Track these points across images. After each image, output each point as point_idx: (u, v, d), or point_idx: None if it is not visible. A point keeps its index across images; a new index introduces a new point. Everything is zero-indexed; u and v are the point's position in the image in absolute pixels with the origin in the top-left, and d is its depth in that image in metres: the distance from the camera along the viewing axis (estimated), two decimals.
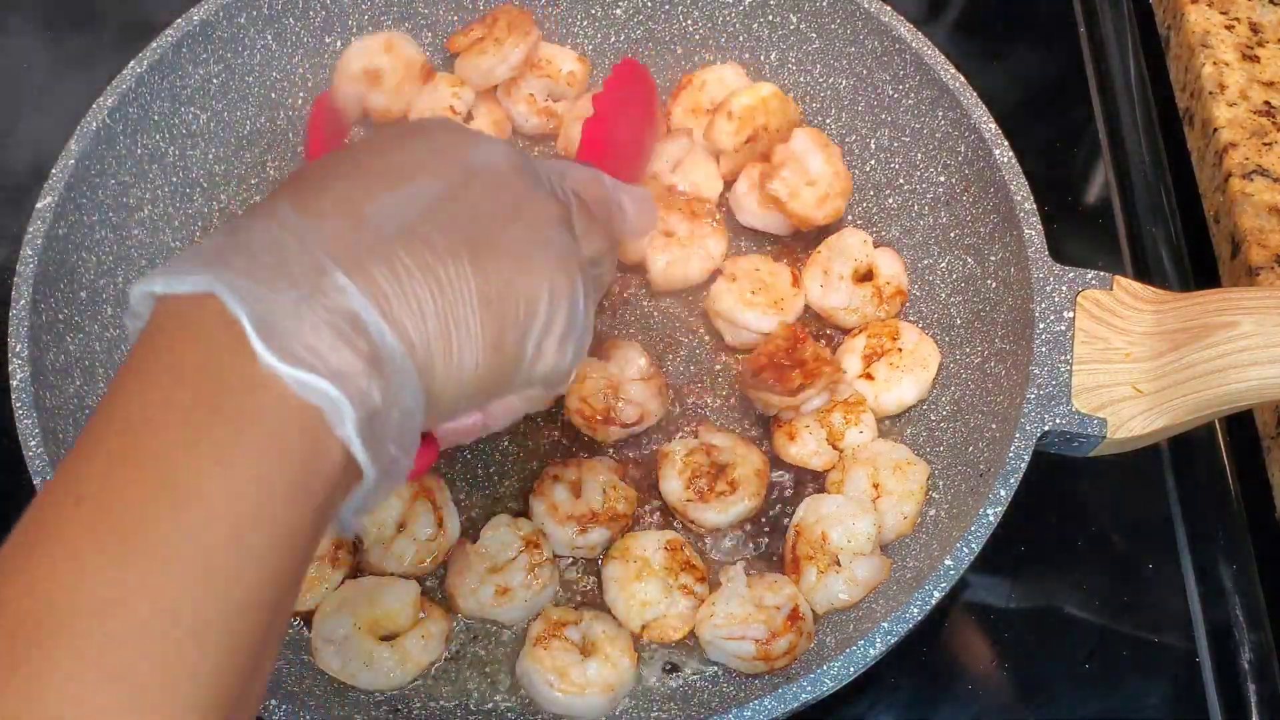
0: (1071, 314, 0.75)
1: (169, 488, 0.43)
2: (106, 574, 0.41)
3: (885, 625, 0.67)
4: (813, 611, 0.76)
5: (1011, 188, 0.79)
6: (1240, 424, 0.87)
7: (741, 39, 0.95)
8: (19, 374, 0.74)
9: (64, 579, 0.41)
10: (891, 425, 0.84)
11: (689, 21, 0.96)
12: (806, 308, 0.88)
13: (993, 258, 0.82)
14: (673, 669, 0.76)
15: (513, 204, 0.55)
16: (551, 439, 0.83)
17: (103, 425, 0.45)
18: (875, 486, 0.79)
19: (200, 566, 0.42)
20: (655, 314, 0.89)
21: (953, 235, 0.86)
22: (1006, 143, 0.81)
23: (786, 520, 0.80)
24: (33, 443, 0.71)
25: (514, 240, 0.53)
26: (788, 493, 0.82)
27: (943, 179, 0.87)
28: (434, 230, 0.50)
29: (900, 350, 0.84)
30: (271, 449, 0.44)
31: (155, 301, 0.48)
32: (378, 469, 0.48)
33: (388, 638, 0.75)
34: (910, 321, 0.87)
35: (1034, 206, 0.79)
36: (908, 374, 0.83)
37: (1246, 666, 0.80)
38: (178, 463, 0.43)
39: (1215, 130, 0.95)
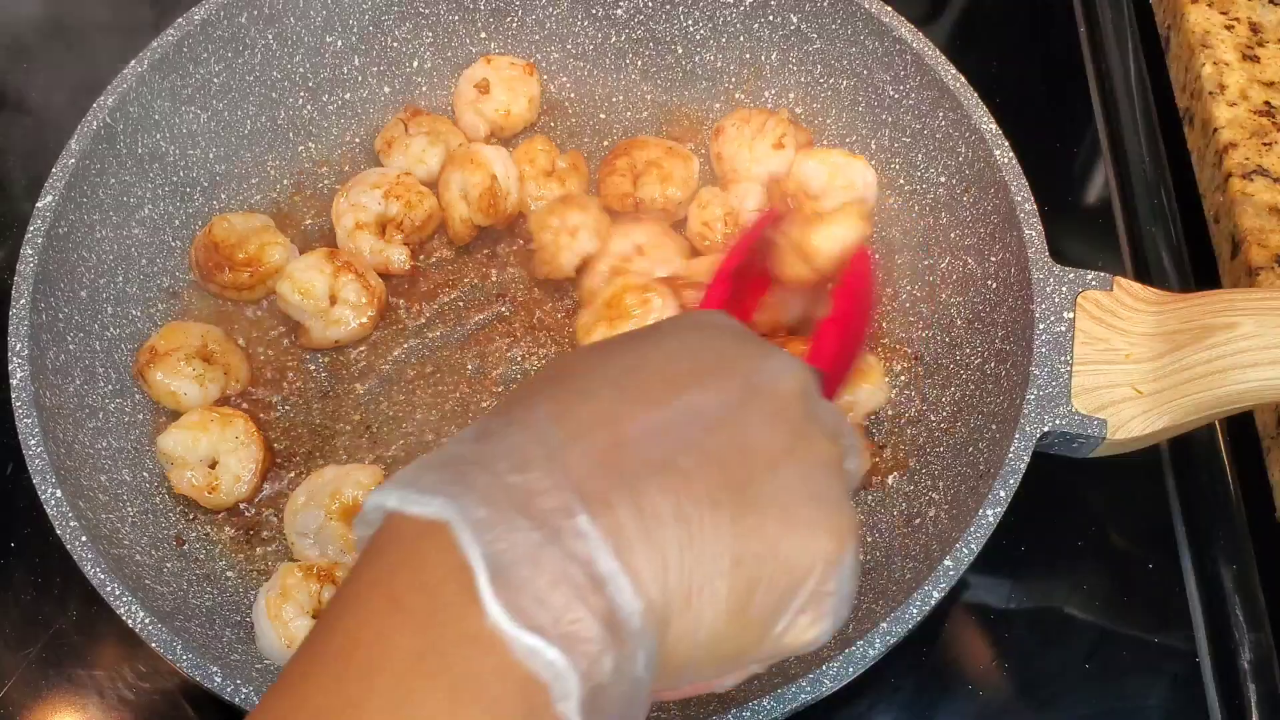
0: (1071, 315, 0.75)
1: None
2: None
3: (885, 625, 0.67)
4: None
5: (1012, 188, 0.79)
6: (1240, 424, 0.87)
7: (742, 39, 0.95)
8: (19, 374, 0.74)
9: None
10: (892, 425, 0.84)
11: (689, 21, 0.96)
12: None
13: (993, 258, 0.82)
14: None
15: (790, 441, 0.47)
16: None
17: (318, 660, 0.41)
18: None
19: None
20: None
21: (953, 236, 0.86)
22: (1007, 143, 0.81)
23: None
24: (33, 443, 0.71)
25: (782, 489, 0.46)
26: None
27: (943, 180, 0.87)
28: (696, 467, 0.44)
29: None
30: None
31: (386, 515, 0.43)
32: None
33: None
34: (911, 320, 0.87)
35: (1034, 207, 0.79)
36: None
37: (1246, 666, 0.80)
38: None
39: (1215, 130, 0.95)
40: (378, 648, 0.40)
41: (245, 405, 0.84)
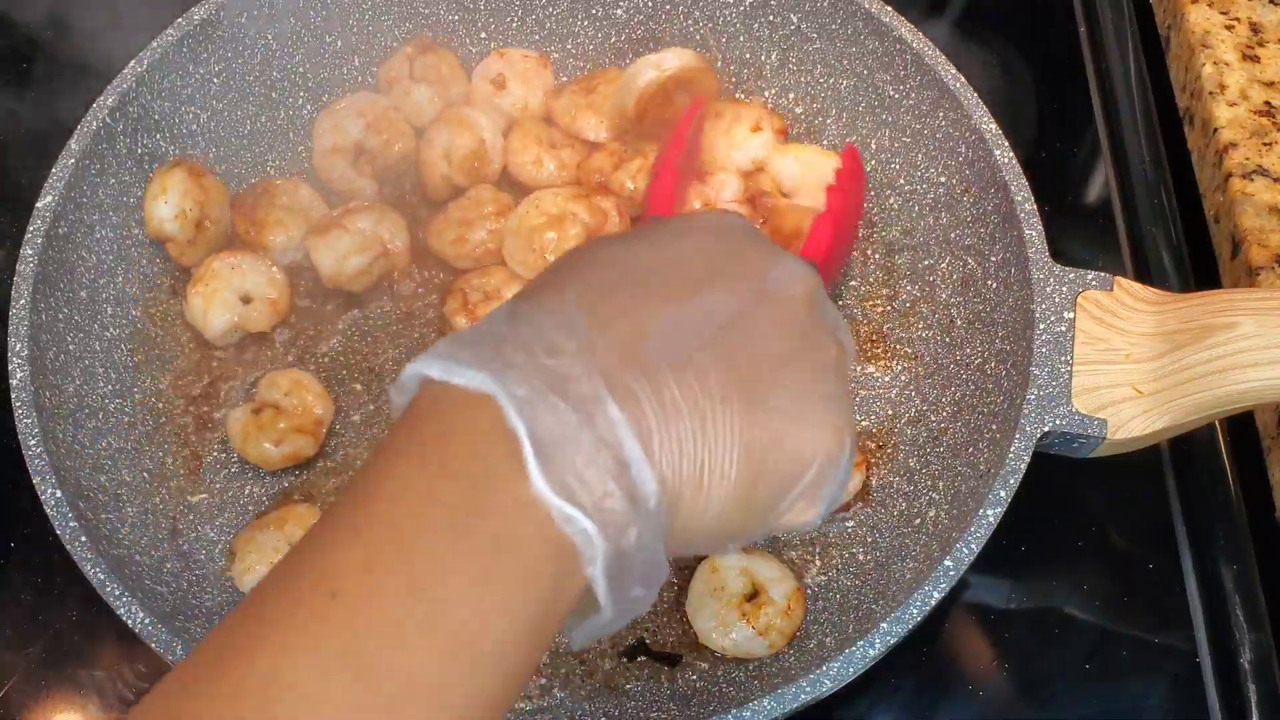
0: (1072, 315, 0.75)
1: (424, 604, 0.41)
2: (350, 695, 0.40)
3: (885, 625, 0.67)
4: None
5: (1012, 188, 0.79)
6: (1241, 424, 0.87)
7: (742, 39, 0.95)
8: (19, 374, 0.74)
9: (306, 690, 0.40)
10: (892, 425, 0.84)
11: (689, 21, 0.96)
12: None
13: (993, 258, 0.82)
14: (673, 666, 0.76)
15: (798, 343, 0.50)
16: None
17: (363, 508, 0.43)
18: None
19: (435, 704, 0.41)
20: None
21: (953, 236, 0.86)
22: (1007, 143, 0.81)
23: None
24: (32, 443, 0.71)
25: (790, 388, 0.49)
26: None
27: (943, 179, 0.87)
28: (711, 364, 0.47)
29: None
30: (524, 580, 0.43)
31: (424, 383, 0.46)
32: (618, 609, 0.46)
33: None
34: (910, 317, 0.87)
35: (1034, 207, 0.79)
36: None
37: (1246, 666, 0.80)
38: (436, 577, 0.42)
39: (1215, 130, 0.95)
40: (430, 501, 0.43)
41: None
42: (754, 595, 0.77)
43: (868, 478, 0.83)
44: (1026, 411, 0.72)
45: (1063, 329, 0.74)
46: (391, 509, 0.43)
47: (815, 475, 0.50)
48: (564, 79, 0.98)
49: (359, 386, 0.86)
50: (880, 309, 0.89)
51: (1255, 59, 0.98)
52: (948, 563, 0.68)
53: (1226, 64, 0.98)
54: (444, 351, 0.46)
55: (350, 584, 0.41)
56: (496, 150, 0.91)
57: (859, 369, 0.87)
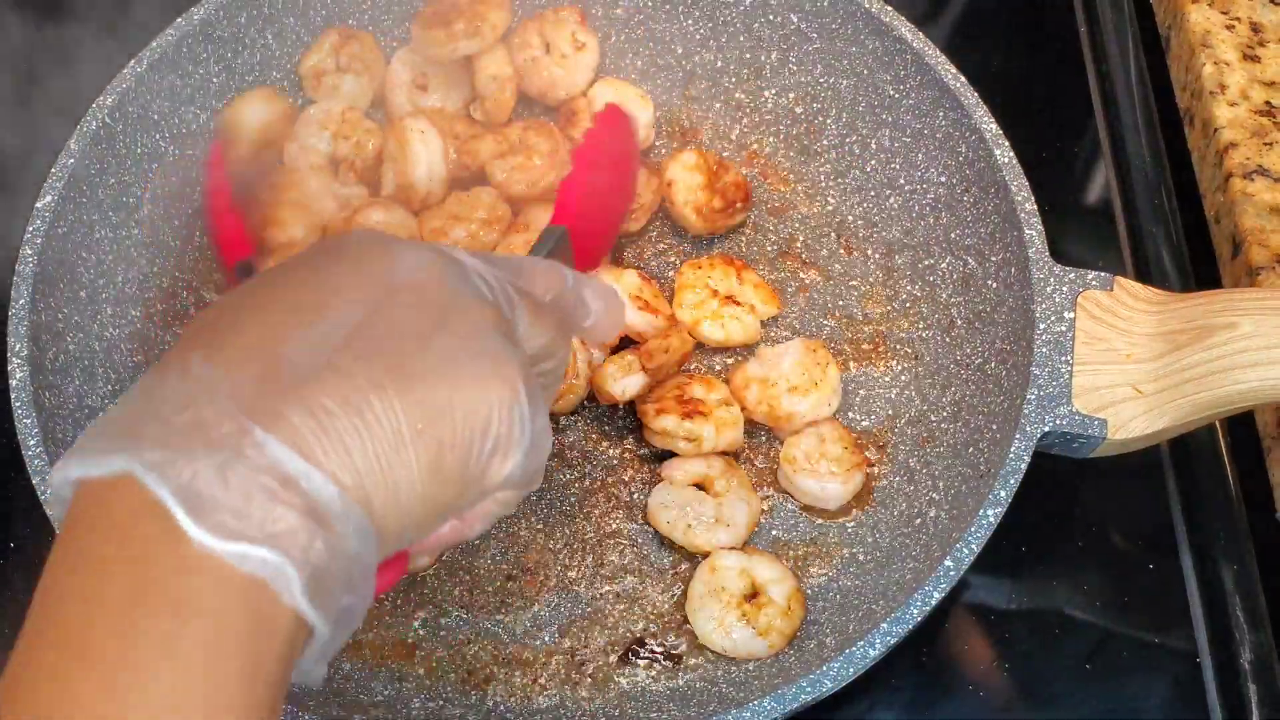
0: (1072, 315, 0.75)
1: (119, 703, 0.41)
2: None
3: (885, 626, 0.67)
4: None
5: (1012, 188, 0.79)
6: (1241, 424, 0.87)
7: (742, 39, 0.95)
8: (19, 374, 0.73)
9: None
10: (891, 425, 0.84)
11: (689, 21, 0.96)
12: None
13: (993, 258, 0.82)
14: (673, 666, 0.76)
15: (438, 316, 0.51)
16: None
17: (35, 636, 0.43)
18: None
19: None
20: None
21: (953, 236, 0.86)
22: (1007, 143, 0.81)
23: None
24: (32, 443, 0.71)
25: (440, 357, 0.50)
26: None
27: (943, 179, 0.87)
28: (353, 362, 0.48)
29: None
30: (218, 633, 0.42)
31: (73, 485, 0.45)
32: (331, 623, 0.46)
33: None
34: (911, 317, 0.87)
35: (1034, 207, 0.79)
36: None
37: (1246, 666, 0.80)
38: (125, 672, 0.41)
39: (1216, 130, 0.94)
40: (100, 602, 0.42)
41: None
42: (754, 596, 0.77)
43: (868, 478, 0.83)
44: (1026, 411, 0.72)
45: (1063, 329, 0.74)
46: (62, 627, 0.42)
47: (499, 426, 0.51)
48: None
49: None
50: (880, 309, 0.89)
51: (1256, 59, 0.98)
52: (948, 563, 0.68)
53: (1227, 64, 0.98)
54: (79, 447, 0.45)
55: (47, 709, 0.41)
56: (435, 181, 0.90)
57: (859, 369, 0.87)
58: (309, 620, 0.44)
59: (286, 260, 0.54)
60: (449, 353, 0.50)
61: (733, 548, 0.79)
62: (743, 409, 0.83)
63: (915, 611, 0.67)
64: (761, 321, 0.88)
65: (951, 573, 0.68)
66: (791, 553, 0.81)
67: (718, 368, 0.88)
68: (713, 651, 0.77)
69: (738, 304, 0.87)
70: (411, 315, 0.51)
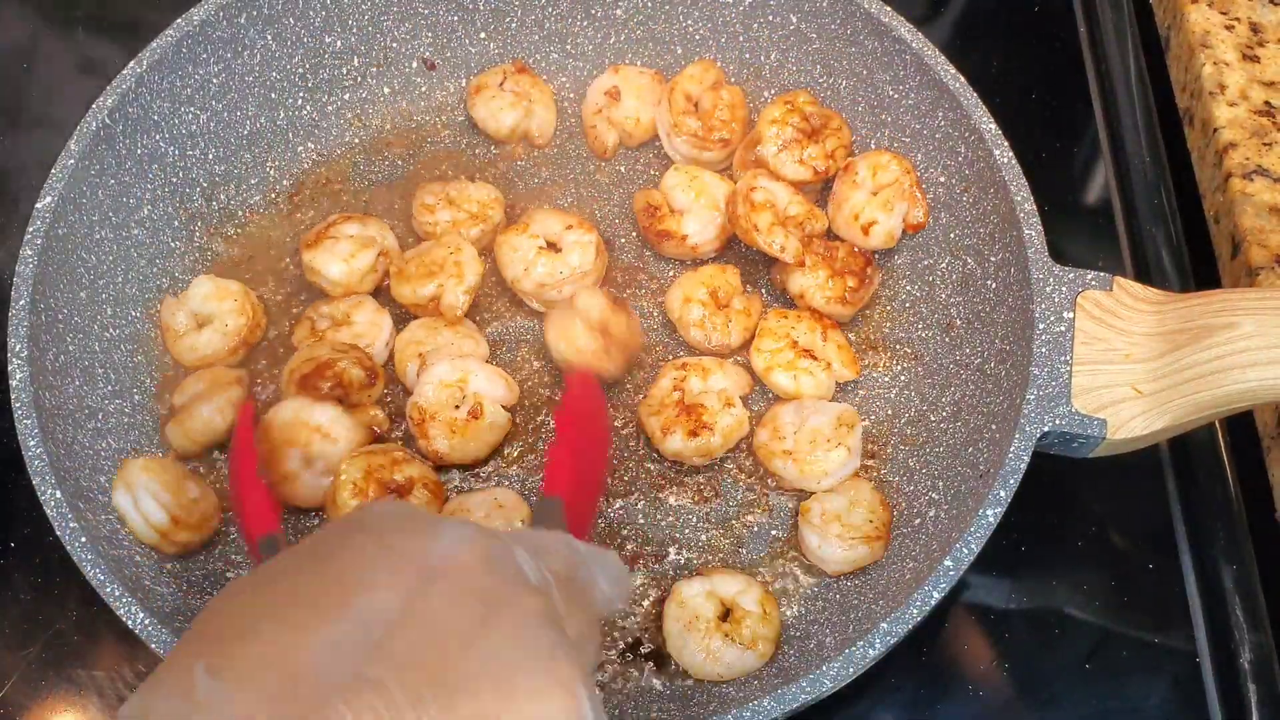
0: (1071, 315, 0.75)
1: None
2: None
3: (885, 625, 0.67)
4: None
5: (1011, 188, 0.79)
6: (1240, 424, 0.87)
7: (741, 39, 0.95)
8: (19, 374, 0.74)
9: None
10: (892, 425, 0.84)
11: (689, 21, 0.96)
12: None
13: (993, 258, 0.82)
14: (674, 668, 0.76)
15: (483, 610, 0.45)
16: None
17: None
18: None
19: None
20: None
21: (953, 236, 0.86)
22: (1006, 143, 0.81)
23: None
24: (32, 443, 0.71)
25: (488, 661, 0.43)
26: None
27: (943, 179, 0.87)
28: (388, 672, 0.41)
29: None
30: None
31: None
32: None
33: None
34: (909, 318, 0.88)
35: (1034, 207, 0.79)
36: None
37: (1246, 666, 0.80)
38: None
39: (1215, 130, 0.95)
40: None
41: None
42: (727, 614, 0.76)
43: (867, 477, 0.83)
44: (1026, 411, 0.72)
45: (1062, 329, 0.74)
46: None
47: None
48: (564, 80, 0.98)
49: None
50: (880, 309, 0.89)
51: (1255, 59, 0.98)
52: (948, 563, 0.68)
53: (1226, 64, 0.98)
54: None
55: None
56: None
57: (859, 369, 0.87)
58: None
59: (305, 542, 0.49)
60: (498, 655, 0.44)
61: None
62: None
63: (915, 611, 0.67)
64: (838, 383, 0.86)
65: (951, 572, 0.68)
66: (791, 552, 0.80)
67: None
68: None
69: (814, 359, 0.85)
70: (453, 609, 0.44)
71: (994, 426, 0.76)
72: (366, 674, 0.41)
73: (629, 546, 0.81)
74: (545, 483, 0.69)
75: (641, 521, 0.81)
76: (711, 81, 0.93)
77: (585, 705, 0.44)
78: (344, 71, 0.95)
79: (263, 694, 0.41)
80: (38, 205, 0.79)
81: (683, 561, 0.80)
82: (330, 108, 0.95)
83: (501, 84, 0.94)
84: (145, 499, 0.75)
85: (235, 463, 0.75)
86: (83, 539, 0.69)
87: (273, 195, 0.93)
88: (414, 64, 0.96)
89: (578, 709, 0.44)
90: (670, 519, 0.82)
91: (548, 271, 0.86)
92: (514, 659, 0.44)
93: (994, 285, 0.82)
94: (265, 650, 0.42)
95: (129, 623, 0.67)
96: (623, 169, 0.95)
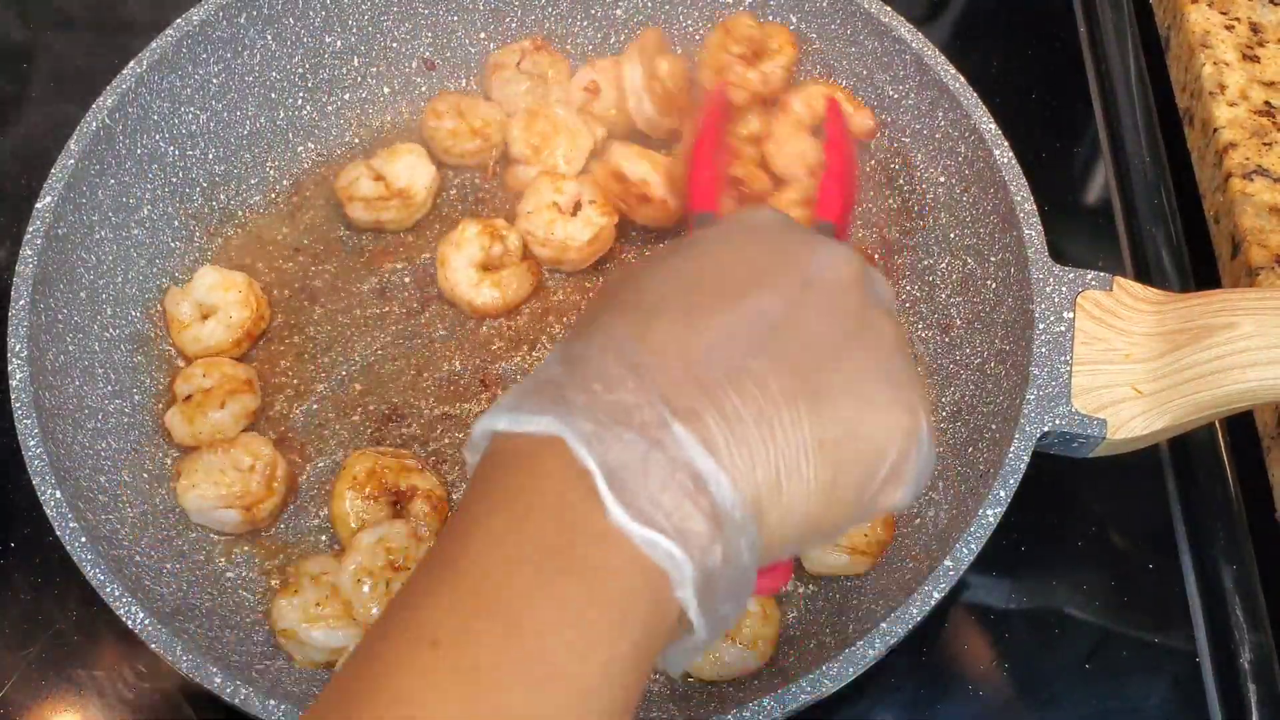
0: (1071, 315, 0.75)
1: (521, 646, 0.42)
2: None
3: (885, 625, 0.67)
4: None
5: (1011, 188, 0.79)
6: (1240, 424, 0.87)
7: None
8: (18, 374, 0.74)
9: None
10: None
11: (689, 22, 0.96)
12: None
13: (993, 258, 0.82)
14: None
15: (852, 326, 0.50)
16: None
17: (450, 565, 0.44)
18: None
19: None
20: None
21: (953, 236, 0.86)
22: (1006, 143, 0.81)
23: None
24: (32, 443, 0.71)
25: (853, 374, 0.49)
26: None
27: (943, 180, 0.87)
28: (768, 369, 0.47)
29: None
30: (620, 609, 0.43)
31: (494, 437, 0.47)
32: (710, 628, 0.46)
33: None
34: (909, 318, 0.87)
35: (1034, 207, 0.79)
36: None
37: (1246, 666, 0.80)
38: (531, 618, 0.42)
39: (1215, 130, 0.95)
40: (516, 546, 0.44)
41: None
42: None
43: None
44: (1026, 411, 0.72)
45: (1062, 329, 0.74)
46: (480, 558, 0.44)
47: (897, 457, 0.49)
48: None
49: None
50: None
51: (1255, 59, 0.98)
52: (948, 563, 0.68)
53: (1226, 64, 0.98)
54: (508, 404, 0.47)
55: (448, 634, 0.42)
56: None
57: None
58: (694, 621, 0.45)
59: (705, 233, 0.54)
60: (860, 371, 0.49)
61: None
62: None
63: (915, 611, 0.67)
64: None
65: (951, 573, 0.68)
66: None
67: None
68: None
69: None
70: (828, 323, 0.50)
71: (994, 426, 0.76)
72: (751, 365, 0.47)
73: None
74: (819, 207, 0.74)
75: None
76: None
77: (924, 427, 0.50)
78: (344, 71, 0.95)
79: (672, 366, 0.46)
80: (38, 205, 0.79)
81: None
82: (330, 108, 0.95)
83: (519, 63, 0.94)
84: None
85: (699, 137, 0.81)
86: (83, 539, 0.69)
87: (273, 195, 0.93)
88: (414, 64, 0.96)
89: (917, 429, 0.50)
90: None
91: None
92: (873, 377, 0.49)
93: (994, 285, 0.82)
94: (673, 330, 0.48)
95: (129, 623, 0.67)
96: None
